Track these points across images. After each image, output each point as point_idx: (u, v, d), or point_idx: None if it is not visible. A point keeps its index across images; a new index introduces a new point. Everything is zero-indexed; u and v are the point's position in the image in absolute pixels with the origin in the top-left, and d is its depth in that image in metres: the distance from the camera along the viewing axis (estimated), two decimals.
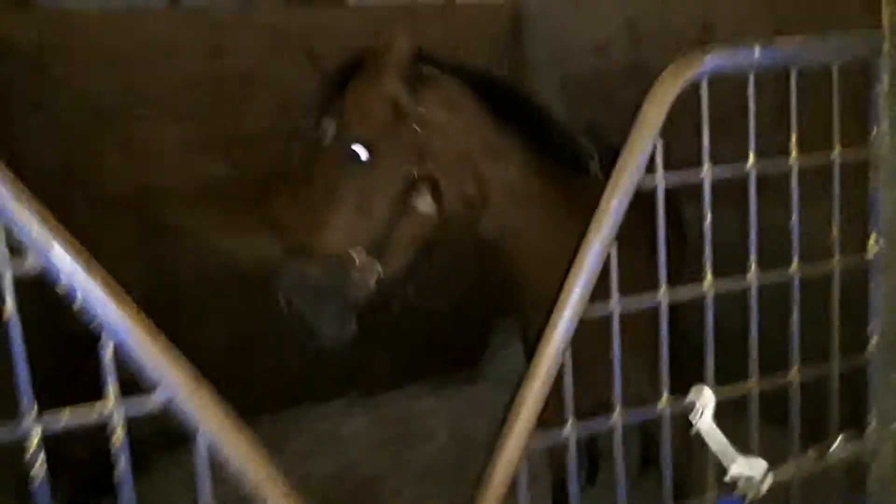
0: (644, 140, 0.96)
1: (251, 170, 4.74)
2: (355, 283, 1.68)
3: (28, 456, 0.77)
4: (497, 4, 6.19)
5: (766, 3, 3.44)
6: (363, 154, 1.72)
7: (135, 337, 0.82)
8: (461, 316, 4.86)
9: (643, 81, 3.89)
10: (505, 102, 1.92)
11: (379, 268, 1.72)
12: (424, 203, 1.78)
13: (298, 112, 5.18)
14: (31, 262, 0.78)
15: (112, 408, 0.83)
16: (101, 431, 0.84)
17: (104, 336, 0.82)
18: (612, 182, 0.98)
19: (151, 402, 0.84)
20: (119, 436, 0.83)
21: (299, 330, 1.70)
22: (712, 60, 0.94)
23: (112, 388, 0.83)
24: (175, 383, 0.84)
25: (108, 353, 0.82)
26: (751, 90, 0.98)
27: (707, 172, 1.00)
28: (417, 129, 1.76)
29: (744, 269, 1.11)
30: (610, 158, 1.27)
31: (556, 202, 1.90)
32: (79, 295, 0.79)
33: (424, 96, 1.81)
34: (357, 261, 1.69)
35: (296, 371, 4.59)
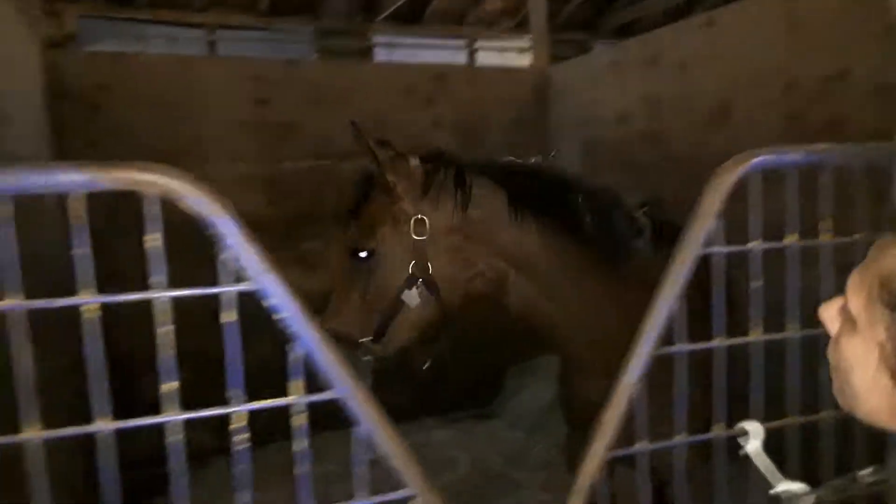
0: (705, 221, 1.22)
1: (286, 208, 5.03)
2: (362, 362, 1.98)
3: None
4: (523, 70, 6.57)
5: (782, 90, 3.75)
6: (364, 256, 2.02)
7: (318, 347, 1.06)
8: (477, 358, 5.07)
9: (661, 150, 4.16)
10: (525, 189, 2.04)
11: (382, 350, 2.01)
12: (412, 297, 2.00)
13: (332, 158, 5.46)
14: (250, 286, 1.03)
15: (298, 399, 1.07)
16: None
17: (295, 343, 1.06)
18: (679, 252, 1.23)
19: (325, 397, 1.08)
20: (299, 421, 1.07)
21: None
22: (762, 159, 1.20)
23: (299, 384, 1.07)
24: (344, 385, 1.07)
25: (296, 356, 1.06)
26: (793, 184, 1.25)
27: (757, 246, 1.25)
28: (414, 235, 1.98)
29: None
30: (672, 230, 1.51)
31: (589, 276, 2.01)
32: (282, 312, 1.04)
33: (432, 201, 2.01)
34: (363, 345, 2.01)
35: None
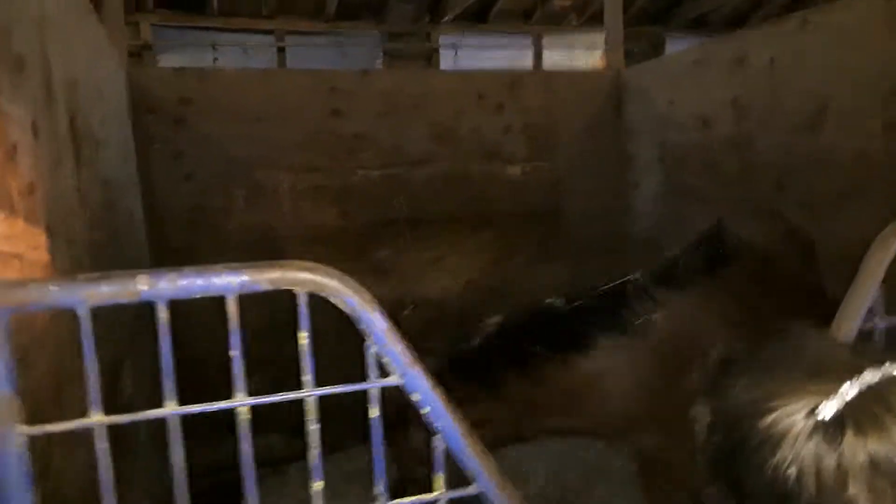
0: (866, 291, 1.12)
1: (358, 218, 5.05)
2: None
3: None
4: (597, 73, 6.42)
5: (884, 96, 3.53)
6: None
7: (462, 442, 1.02)
8: None
9: (747, 156, 3.95)
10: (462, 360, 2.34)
11: None
12: None
13: (402, 165, 5.46)
14: (394, 379, 1.00)
15: (440, 495, 1.04)
16: None
17: (438, 438, 1.03)
18: (835, 325, 1.14)
19: (468, 493, 1.04)
20: None
21: None
22: None
23: (442, 479, 1.04)
24: (488, 481, 1.04)
25: (440, 451, 1.03)
26: None
27: None
28: None
29: None
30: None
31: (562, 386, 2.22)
32: (427, 407, 1.01)
33: None
34: None
35: (390, 406, 4.80)
